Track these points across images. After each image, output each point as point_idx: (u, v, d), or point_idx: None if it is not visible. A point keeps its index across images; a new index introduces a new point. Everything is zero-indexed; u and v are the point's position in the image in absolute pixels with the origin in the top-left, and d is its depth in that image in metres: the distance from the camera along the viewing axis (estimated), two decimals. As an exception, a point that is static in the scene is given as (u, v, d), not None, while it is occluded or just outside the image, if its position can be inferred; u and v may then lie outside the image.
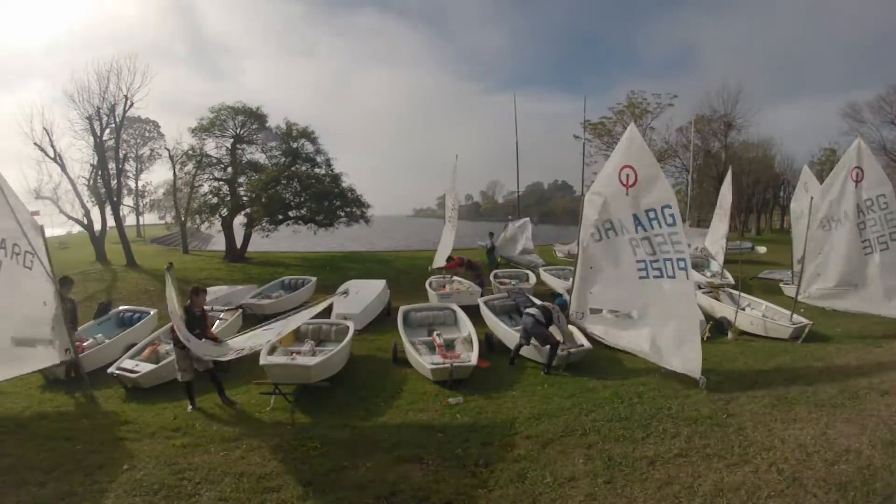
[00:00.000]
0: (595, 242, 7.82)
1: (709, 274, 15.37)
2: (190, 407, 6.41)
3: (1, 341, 6.29)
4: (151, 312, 10.23)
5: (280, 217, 21.63)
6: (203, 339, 6.37)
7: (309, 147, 23.04)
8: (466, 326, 9.33)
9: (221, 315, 10.18)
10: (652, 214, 6.96)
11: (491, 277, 14.41)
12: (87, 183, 20.22)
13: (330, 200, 22.09)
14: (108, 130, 19.93)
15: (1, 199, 6.33)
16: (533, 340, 8.16)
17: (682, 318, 6.82)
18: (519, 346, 8.26)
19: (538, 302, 10.62)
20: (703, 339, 9.38)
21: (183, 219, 23.03)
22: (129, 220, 25.61)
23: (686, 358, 6.57)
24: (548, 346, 7.81)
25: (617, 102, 38.20)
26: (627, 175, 7.06)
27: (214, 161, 22.38)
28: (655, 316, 7.15)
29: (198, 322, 6.45)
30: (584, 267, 8.09)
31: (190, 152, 22.24)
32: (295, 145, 22.81)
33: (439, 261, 14.51)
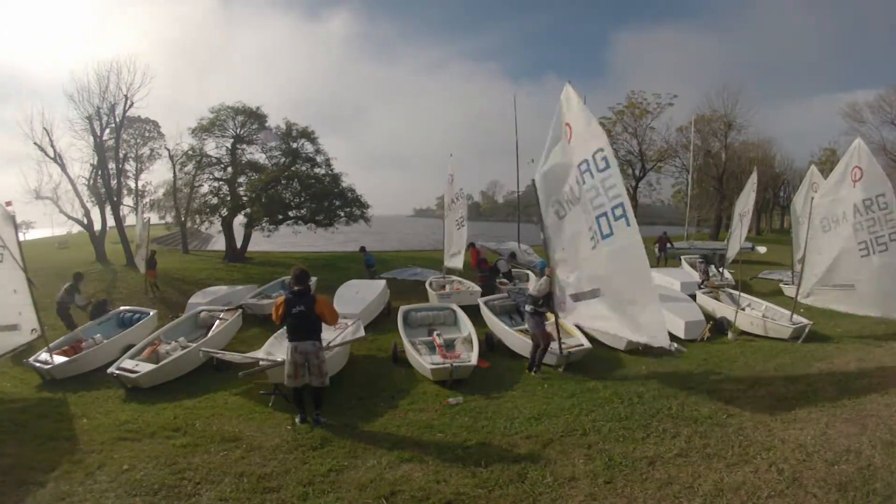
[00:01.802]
0: (560, 220, 6.99)
1: (709, 274, 15.37)
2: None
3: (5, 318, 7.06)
4: (151, 313, 10.23)
5: (280, 217, 21.64)
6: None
7: (309, 147, 23.05)
8: (466, 326, 9.33)
9: (221, 315, 10.18)
10: (584, 167, 6.13)
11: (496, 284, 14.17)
12: (87, 183, 20.27)
13: (330, 200, 22.11)
14: (108, 130, 19.99)
15: None
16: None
17: (630, 280, 5.96)
18: (535, 349, 7.57)
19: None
20: (702, 339, 9.46)
21: (183, 219, 23.05)
22: (129, 220, 25.71)
23: (648, 327, 5.92)
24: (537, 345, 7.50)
25: (617, 103, 38.33)
26: (566, 132, 6.42)
27: (214, 161, 22.39)
28: (611, 288, 6.40)
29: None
30: (556, 251, 7.12)
31: (190, 152, 22.26)
32: (295, 145, 22.81)
33: (457, 262, 14.22)
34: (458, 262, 14.01)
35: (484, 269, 13.97)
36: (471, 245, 14.95)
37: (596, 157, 6.03)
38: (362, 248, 16.72)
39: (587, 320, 7.32)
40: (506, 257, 15.41)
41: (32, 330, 7.49)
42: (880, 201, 8.91)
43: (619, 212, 5.91)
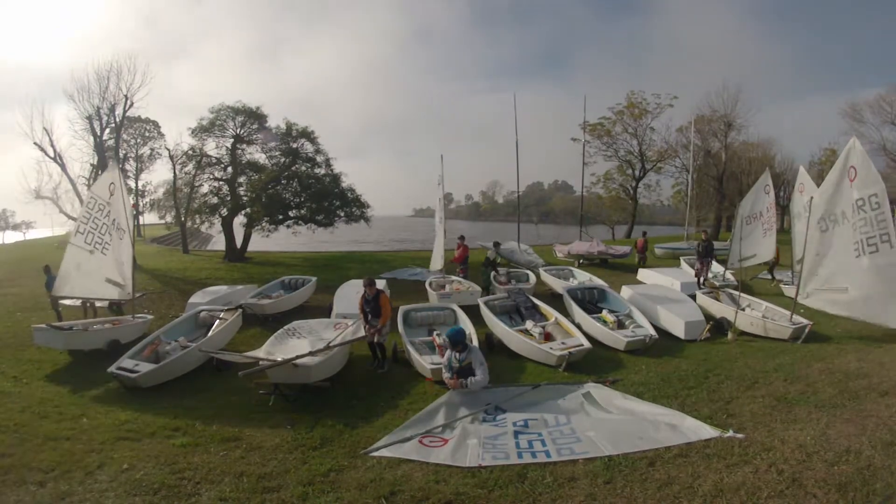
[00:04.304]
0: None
1: (710, 274, 15.34)
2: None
3: (117, 277, 9.84)
4: (222, 314, 10.24)
5: (280, 217, 21.62)
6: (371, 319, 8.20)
7: (309, 147, 23.03)
8: (466, 326, 9.34)
9: (221, 315, 10.18)
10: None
11: (491, 278, 14.23)
12: (86, 183, 20.31)
13: (330, 200, 22.09)
14: (108, 130, 20.02)
15: (120, 197, 9.85)
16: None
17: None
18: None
19: (538, 302, 10.66)
20: (702, 339, 9.46)
21: (183, 219, 23.05)
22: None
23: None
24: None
25: (616, 103, 38.33)
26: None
27: (214, 161, 22.37)
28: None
29: (372, 304, 8.21)
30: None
31: (190, 152, 22.25)
32: (295, 145, 22.79)
33: (437, 261, 14.63)
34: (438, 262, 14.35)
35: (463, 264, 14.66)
36: (461, 238, 15.35)
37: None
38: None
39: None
40: (491, 247, 15.33)
41: (128, 293, 10.03)
42: (872, 201, 8.67)
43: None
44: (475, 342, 8.19)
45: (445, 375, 6.66)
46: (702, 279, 14.27)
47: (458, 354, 6.59)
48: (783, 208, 34.00)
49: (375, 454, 4.96)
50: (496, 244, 15.55)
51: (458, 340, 6.65)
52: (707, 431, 4.94)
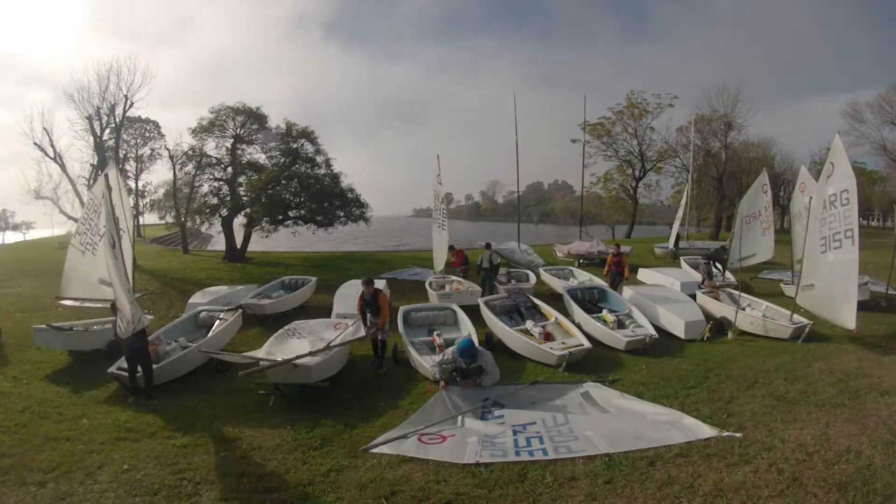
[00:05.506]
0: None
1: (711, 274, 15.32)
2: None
3: (93, 278, 9.38)
4: (222, 315, 10.18)
5: (280, 217, 21.61)
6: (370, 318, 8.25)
7: (308, 147, 23.03)
8: (466, 326, 9.33)
9: (221, 315, 10.17)
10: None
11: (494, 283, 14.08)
12: (87, 183, 20.31)
13: (329, 200, 22.08)
14: (108, 130, 20.02)
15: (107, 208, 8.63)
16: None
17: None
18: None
19: (538, 302, 10.65)
20: (702, 339, 9.46)
21: (183, 219, 23.04)
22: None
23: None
24: None
25: (616, 103, 38.29)
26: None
27: (214, 161, 22.36)
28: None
29: (370, 304, 8.26)
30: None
31: (190, 152, 22.24)
32: (294, 145, 22.79)
33: (440, 263, 14.57)
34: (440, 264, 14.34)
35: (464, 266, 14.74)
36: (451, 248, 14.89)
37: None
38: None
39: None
40: (490, 251, 14.90)
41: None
42: (843, 197, 8.60)
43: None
44: (475, 342, 8.19)
45: (436, 375, 6.77)
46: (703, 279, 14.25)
47: (467, 361, 6.64)
48: (783, 208, 34.00)
49: (375, 451, 4.96)
50: (488, 245, 15.15)
51: (470, 355, 6.70)
52: (706, 430, 4.95)
